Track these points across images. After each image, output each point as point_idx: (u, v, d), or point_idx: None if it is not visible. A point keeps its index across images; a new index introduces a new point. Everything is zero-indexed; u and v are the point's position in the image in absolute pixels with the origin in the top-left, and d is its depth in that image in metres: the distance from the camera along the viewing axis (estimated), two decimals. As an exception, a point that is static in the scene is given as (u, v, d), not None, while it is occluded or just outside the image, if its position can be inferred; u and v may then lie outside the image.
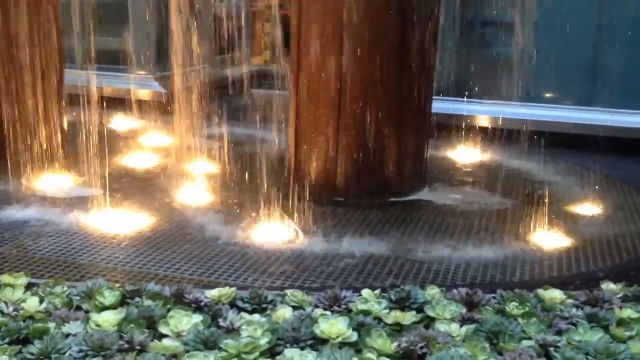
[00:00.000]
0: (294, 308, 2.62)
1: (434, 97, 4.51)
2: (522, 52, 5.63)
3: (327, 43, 4.03)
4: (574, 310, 2.60)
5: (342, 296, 2.67)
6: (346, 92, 4.03)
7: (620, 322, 2.53)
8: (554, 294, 2.73)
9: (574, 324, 2.51)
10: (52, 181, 4.30)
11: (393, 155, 4.18)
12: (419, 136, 4.33)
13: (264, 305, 2.62)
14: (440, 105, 5.50)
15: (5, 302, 2.56)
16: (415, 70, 4.14)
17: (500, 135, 5.44)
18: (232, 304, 2.63)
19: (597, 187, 4.62)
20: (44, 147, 4.56)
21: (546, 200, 4.24)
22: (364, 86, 4.04)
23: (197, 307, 2.58)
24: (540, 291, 2.76)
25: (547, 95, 5.88)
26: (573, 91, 5.81)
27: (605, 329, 2.49)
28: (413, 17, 4.03)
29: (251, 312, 2.58)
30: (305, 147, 4.23)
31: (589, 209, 4.19)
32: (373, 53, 3.99)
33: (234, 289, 2.69)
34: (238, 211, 3.92)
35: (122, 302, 2.62)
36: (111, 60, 6.01)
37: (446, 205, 4.22)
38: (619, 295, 2.77)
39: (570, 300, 2.71)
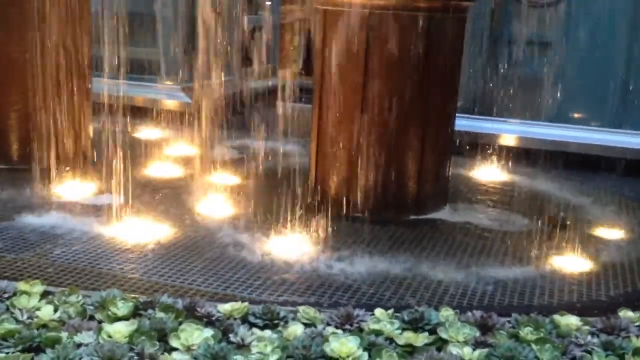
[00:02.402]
0: (306, 325, 2.62)
1: (458, 114, 4.49)
2: (549, 72, 5.58)
3: (350, 58, 4.04)
4: (589, 337, 2.56)
5: (354, 314, 2.66)
6: (368, 108, 4.03)
7: (637, 352, 2.48)
8: (570, 320, 2.69)
9: (589, 352, 2.47)
10: (75, 189, 4.35)
11: (414, 173, 4.16)
12: (441, 154, 4.31)
13: (275, 321, 2.62)
14: (465, 123, 5.48)
15: (20, 310, 2.59)
16: (438, 87, 4.13)
17: (525, 156, 5.39)
18: (244, 319, 2.64)
19: (623, 211, 4.56)
20: (70, 154, 4.62)
21: (569, 223, 4.19)
22: (386, 102, 4.03)
23: (208, 321, 2.59)
24: (556, 317, 2.72)
25: (575, 115, 5.81)
26: (601, 112, 5.74)
27: (621, 357, 2.44)
28: (437, 34, 4.02)
29: (262, 328, 2.58)
30: (326, 161, 4.23)
31: (613, 233, 4.13)
32: (396, 69, 3.99)
33: (246, 303, 2.69)
34: (257, 224, 3.93)
35: (135, 314, 2.63)
36: (139, 70, 6.09)
37: (466, 225, 4.18)
38: (636, 324, 2.73)
39: (587, 327, 2.67)
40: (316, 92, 4.26)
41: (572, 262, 3.62)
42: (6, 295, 2.70)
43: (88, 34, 4.79)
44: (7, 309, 2.61)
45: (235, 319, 2.62)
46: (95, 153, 4.89)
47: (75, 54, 4.68)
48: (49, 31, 4.51)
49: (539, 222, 4.19)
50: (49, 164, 4.49)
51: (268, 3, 7.00)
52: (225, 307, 2.68)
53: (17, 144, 4.70)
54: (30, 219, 3.85)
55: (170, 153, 5.36)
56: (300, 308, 2.70)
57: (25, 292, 2.72)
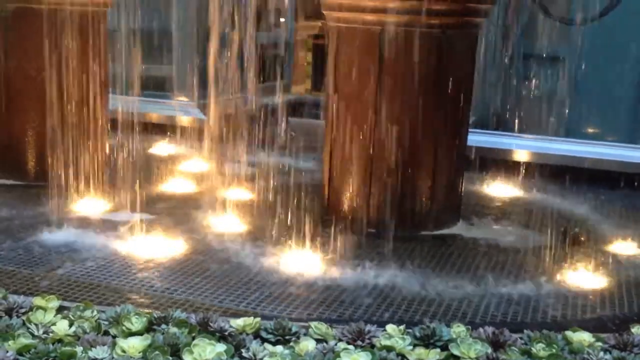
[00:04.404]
0: (318, 341, 2.62)
1: (472, 130, 4.50)
2: (564, 87, 5.58)
3: (363, 74, 4.07)
4: (601, 353, 2.55)
5: (366, 330, 2.67)
6: (381, 123, 4.05)
7: (650, 369, 2.47)
8: (583, 336, 2.68)
9: (602, 369, 2.47)
10: (91, 205, 4.40)
11: (427, 188, 4.17)
12: (454, 169, 4.32)
13: (287, 337, 2.63)
14: (479, 139, 5.49)
15: (36, 325, 2.62)
16: (451, 102, 4.14)
17: (540, 171, 5.38)
18: (257, 334, 2.65)
19: (638, 226, 4.53)
20: (86, 171, 4.68)
21: (584, 238, 4.17)
22: (398, 118, 4.05)
23: (221, 336, 2.60)
24: (568, 333, 2.71)
25: (589, 131, 5.80)
26: (616, 128, 5.73)
27: (634, 375, 2.43)
28: (450, 49, 4.05)
29: (274, 344, 2.60)
30: (340, 177, 4.25)
31: (627, 248, 4.11)
32: (408, 85, 4.01)
33: (258, 319, 2.71)
34: (270, 239, 3.95)
35: (149, 329, 2.66)
36: (155, 86, 6.16)
37: (480, 241, 4.18)
38: (650, 340, 2.71)
39: (599, 344, 2.66)
40: (329, 108, 4.29)
41: (586, 278, 3.61)
42: (22, 310, 2.73)
43: (104, 52, 4.86)
44: (23, 323, 2.64)
45: (247, 334, 2.64)
46: (111, 169, 4.94)
47: (92, 72, 4.75)
48: (66, 50, 4.58)
49: (553, 238, 4.18)
50: (65, 180, 4.54)
51: (282, 20, 7.06)
52: (237, 322, 2.69)
53: (33, 161, 4.77)
54: (46, 235, 3.89)
55: (185, 169, 5.40)
56: (312, 323, 2.71)
57: (41, 307, 2.75)
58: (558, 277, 3.63)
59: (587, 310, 3.29)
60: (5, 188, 4.70)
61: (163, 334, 2.58)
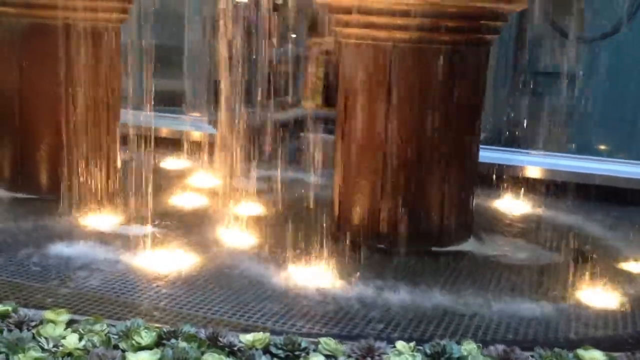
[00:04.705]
0: (327, 357, 2.62)
1: (483, 146, 4.49)
2: (574, 104, 5.57)
3: (373, 90, 4.08)
4: (614, 373, 2.53)
5: (375, 347, 2.66)
6: (391, 139, 4.06)
7: (663, 388, 2.44)
8: (594, 355, 2.66)
9: (614, 388, 2.44)
10: (103, 218, 4.42)
11: (437, 204, 4.16)
12: (465, 185, 4.31)
13: (297, 352, 2.63)
14: (490, 155, 5.48)
15: (46, 338, 2.62)
16: (461, 118, 4.14)
17: (551, 188, 5.36)
18: (266, 350, 2.65)
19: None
20: (97, 184, 4.70)
21: (596, 256, 4.15)
22: (409, 133, 4.06)
23: (230, 351, 2.60)
24: (580, 351, 2.69)
25: (600, 147, 5.79)
26: (627, 145, 5.71)
27: (646, 394, 2.41)
28: (460, 66, 4.05)
29: (284, 359, 2.59)
30: (350, 192, 4.25)
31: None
32: (418, 101, 4.02)
33: (268, 334, 2.71)
34: (281, 254, 3.95)
35: (158, 343, 2.66)
36: (166, 101, 6.19)
37: (490, 257, 4.17)
38: (663, 360, 2.68)
39: (611, 363, 2.64)
40: (339, 124, 4.30)
41: (598, 296, 3.58)
42: (33, 324, 2.74)
43: (118, 67, 4.90)
44: (34, 337, 2.64)
45: (257, 349, 2.63)
46: (122, 183, 4.96)
47: (105, 86, 4.78)
48: (80, 65, 4.62)
49: (564, 255, 4.16)
50: (77, 194, 4.56)
51: (293, 36, 7.10)
52: (247, 338, 2.69)
53: (46, 175, 4.80)
54: (57, 248, 3.91)
55: (196, 183, 5.42)
56: (322, 339, 2.70)
57: (51, 321, 2.76)
58: (570, 294, 3.61)
59: (599, 329, 3.26)
60: (18, 201, 4.73)
61: (172, 348, 2.58)
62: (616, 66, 5.63)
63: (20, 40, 4.68)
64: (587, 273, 3.79)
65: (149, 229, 4.15)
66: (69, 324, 2.78)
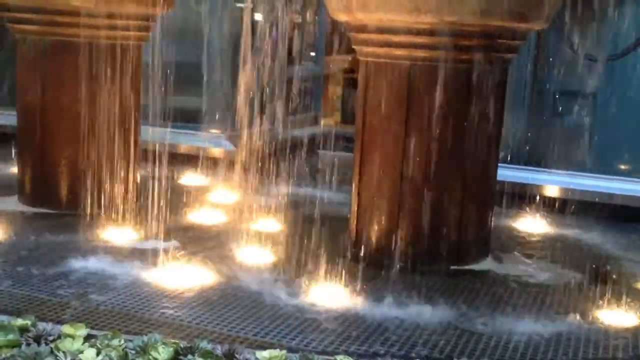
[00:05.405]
0: (344, 375, 2.61)
1: (502, 165, 4.48)
2: (594, 122, 5.55)
3: (392, 108, 4.08)
4: (634, 395, 2.50)
5: (393, 365, 2.65)
6: (409, 157, 4.06)
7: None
8: (615, 377, 2.63)
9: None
10: (121, 234, 4.44)
11: (455, 223, 4.15)
12: (483, 204, 4.30)
13: (313, 370, 2.62)
14: (509, 174, 5.45)
15: (64, 353, 2.64)
16: (480, 137, 4.14)
17: (571, 207, 5.32)
18: (282, 367, 2.64)
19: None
20: (117, 200, 4.74)
21: (616, 276, 4.11)
22: (427, 152, 4.05)
23: (247, 368, 2.60)
24: (600, 373, 2.66)
25: (620, 167, 5.75)
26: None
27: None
28: (479, 85, 4.05)
29: (300, 377, 2.58)
30: (367, 210, 4.25)
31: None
32: (437, 120, 4.02)
33: (284, 351, 2.70)
34: (297, 272, 3.94)
35: (175, 359, 2.66)
36: (185, 118, 6.24)
37: (509, 277, 4.14)
38: (684, 382, 2.65)
39: (632, 384, 2.61)
40: (358, 141, 4.30)
41: (618, 316, 3.55)
42: (51, 338, 2.75)
43: (138, 84, 4.95)
44: (52, 351, 2.66)
45: (273, 366, 2.64)
46: (141, 199, 5.00)
47: (126, 103, 4.83)
48: (101, 82, 4.68)
49: (583, 274, 4.12)
50: (96, 209, 4.60)
51: (312, 54, 7.15)
52: (263, 355, 2.69)
53: (66, 190, 4.84)
54: (76, 263, 3.93)
55: (214, 200, 5.44)
56: (338, 357, 2.70)
57: (70, 335, 2.77)
58: (590, 314, 3.57)
59: (619, 350, 3.22)
60: (38, 216, 4.77)
61: (189, 364, 2.58)
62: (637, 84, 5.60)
63: (43, 58, 4.75)
64: (606, 292, 3.75)
65: (167, 244, 4.17)
66: (87, 338, 2.79)
